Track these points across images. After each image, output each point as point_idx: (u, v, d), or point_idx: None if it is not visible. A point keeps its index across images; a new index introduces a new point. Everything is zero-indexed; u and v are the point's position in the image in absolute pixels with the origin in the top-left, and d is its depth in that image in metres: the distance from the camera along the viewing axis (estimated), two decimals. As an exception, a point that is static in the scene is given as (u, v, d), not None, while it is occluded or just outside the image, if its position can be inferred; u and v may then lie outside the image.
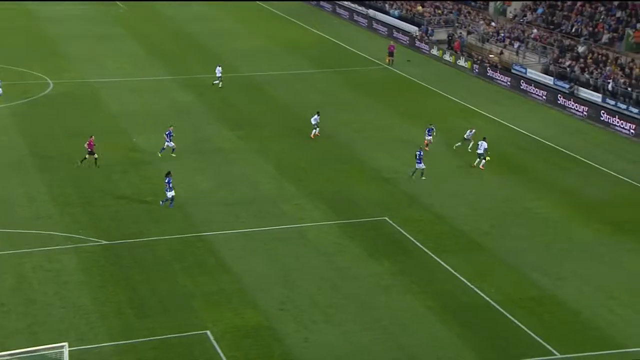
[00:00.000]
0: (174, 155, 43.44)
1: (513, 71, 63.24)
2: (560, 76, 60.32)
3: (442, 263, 33.57)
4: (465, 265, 33.27)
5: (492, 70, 63.64)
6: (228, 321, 28.82)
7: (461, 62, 66.92)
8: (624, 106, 53.91)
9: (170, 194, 37.24)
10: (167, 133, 43.92)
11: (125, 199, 39.39)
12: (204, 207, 38.73)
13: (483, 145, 43.60)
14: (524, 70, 62.84)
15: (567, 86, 58.59)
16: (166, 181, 37.06)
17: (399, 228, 36.78)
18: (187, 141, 47.87)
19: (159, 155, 43.38)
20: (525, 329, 28.83)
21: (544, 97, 58.16)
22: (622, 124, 51.92)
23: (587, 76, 58.74)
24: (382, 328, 28.84)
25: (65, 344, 22.82)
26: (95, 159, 42.20)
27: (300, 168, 43.42)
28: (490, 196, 40.89)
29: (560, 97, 57.13)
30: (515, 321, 29.33)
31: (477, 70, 64.52)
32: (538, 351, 27.44)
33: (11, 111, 51.37)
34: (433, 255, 34.17)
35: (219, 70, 58.00)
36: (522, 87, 60.55)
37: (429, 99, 58.32)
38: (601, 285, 31.64)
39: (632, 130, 50.98)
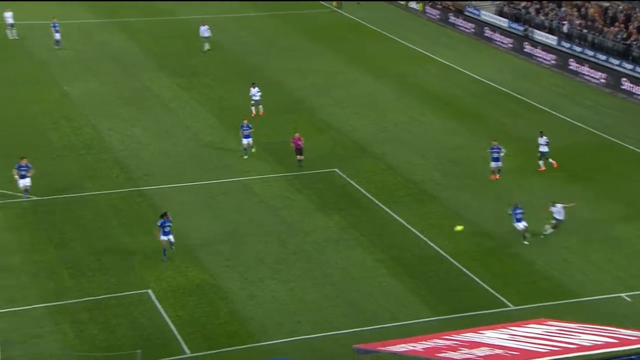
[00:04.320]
0: (244, 157, 37.94)
1: (466, 13, 63.19)
2: (515, 18, 60.47)
3: (394, 215, 33.66)
4: (417, 217, 33.43)
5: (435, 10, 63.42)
6: (171, 279, 28.52)
7: (413, 4, 66.61)
8: (579, 49, 54.37)
9: (166, 238, 29.53)
10: (243, 127, 38.14)
11: (57, 151, 38.44)
12: (143, 160, 38.05)
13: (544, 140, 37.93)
14: (477, 12, 62.84)
15: (521, 28, 58.80)
16: (159, 224, 29.39)
17: (349, 180, 36.71)
18: (124, 89, 46.91)
19: (245, 157, 38.14)
20: (479, 280, 29.19)
21: (502, 42, 58.18)
22: (578, 67, 52.36)
23: (542, 18, 59.00)
24: (332, 284, 28.88)
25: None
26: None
27: (245, 118, 42.85)
28: (442, 145, 41.03)
29: (516, 42, 57.31)
30: (469, 273, 29.65)
31: (437, 15, 64.13)
32: (491, 303, 27.83)
33: None
34: (384, 207, 34.24)
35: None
36: (473, 31, 60.57)
37: (379, 43, 58.00)
38: (554, 233, 32.14)
39: (592, 76, 51.35)
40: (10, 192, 33.96)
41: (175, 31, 58.38)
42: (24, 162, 32.91)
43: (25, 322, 25.77)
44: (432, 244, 31.53)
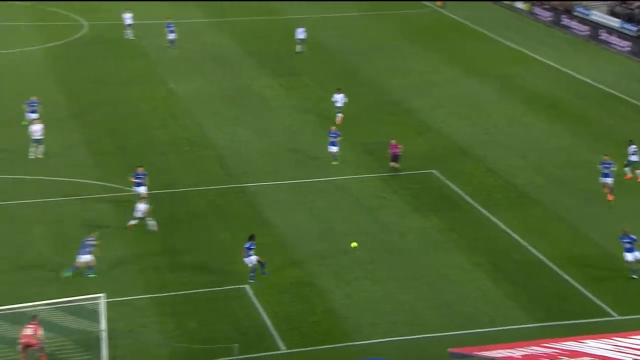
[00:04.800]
0: (335, 163, 37.34)
1: (575, 13, 61.53)
2: (628, 18, 58.45)
3: (493, 218, 33.19)
4: (516, 221, 32.85)
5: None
6: (267, 276, 28.95)
7: (519, 4, 65.36)
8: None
9: (250, 260, 28.74)
10: (331, 133, 37.65)
11: (163, 147, 39.58)
12: (244, 158, 38.77)
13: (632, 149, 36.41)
14: (587, 12, 61.08)
15: (634, 29, 56.78)
16: (247, 246, 28.64)
17: (447, 182, 36.40)
18: (227, 88, 47.90)
19: (334, 163, 37.55)
20: (581, 288, 28.42)
21: (617, 44, 56.27)
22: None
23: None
24: (428, 285, 28.71)
25: (103, 294, 23.21)
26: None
27: (343, 118, 43.01)
28: (544, 147, 40.15)
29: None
30: (570, 280, 28.94)
31: (548, 16, 62.63)
32: (594, 312, 27.07)
33: (46, 54, 51.71)
34: (483, 210, 33.79)
35: None
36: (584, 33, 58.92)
37: (482, 44, 57.21)
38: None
39: None
40: (119, 186, 35.22)
41: (278, 31, 59.12)
42: (140, 170, 33.00)
43: (131, 312, 26.67)
44: (532, 249, 30.92)
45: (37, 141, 37.10)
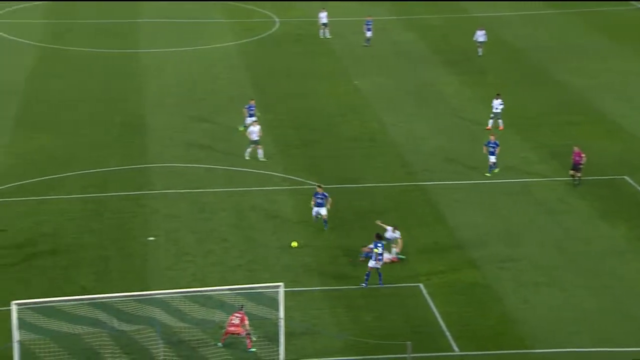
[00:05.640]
0: (488, 174, 36.02)
1: None
2: None
3: (688, 230, 31.10)
4: None
5: None
6: (442, 276, 28.73)
7: None
8: None
9: (373, 263, 28.01)
10: (489, 143, 35.91)
11: (344, 142, 40.17)
12: (423, 155, 38.65)
13: None
14: None
15: None
16: (372, 245, 27.98)
17: None
18: (409, 85, 47.91)
19: (488, 175, 35.95)
20: None
21: None
22: None
23: None
24: (613, 296, 27.38)
25: (281, 284, 23.97)
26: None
27: (528, 118, 41.84)
28: None
29: None
30: None
31: None
32: None
33: (239, 49, 53.96)
34: (677, 221, 31.75)
35: None
36: None
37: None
38: None
39: None
40: (301, 179, 36.18)
41: (464, 28, 58.24)
42: (319, 190, 31.92)
43: (306, 303, 27.31)
44: None
45: (255, 142, 37.43)
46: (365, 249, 28.89)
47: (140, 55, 52.20)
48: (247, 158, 37.50)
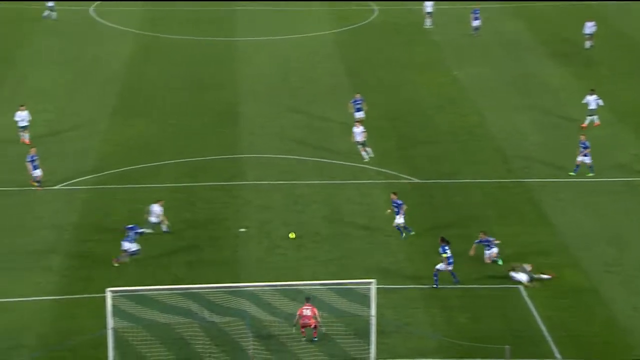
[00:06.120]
0: (572, 173, 34.85)
1: None
2: None
3: None
4: None
5: None
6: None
7: None
8: None
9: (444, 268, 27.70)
10: (582, 144, 34.69)
11: (441, 135, 39.52)
12: (524, 150, 37.63)
13: None
14: None
15: None
16: (442, 249, 27.60)
17: None
18: (512, 76, 46.75)
19: (572, 174, 34.97)
20: None
21: None
22: None
23: None
24: None
25: (374, 280, 23.70)
26: None
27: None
28: None
29: None
30: None
31: None
32: None
33: (335, 38, 53.77)
34: None
35: None
36: None
37: None
38: None
39: None
40: (395, 173, 35.78)
41: (576, 17, 56.16)
42: (394, 197, 30.61)
43: (399, 301, 26.97)
44: None
45: (360, 144, 36.13)
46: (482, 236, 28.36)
47: (237, 43, 52.67)
48: (364, 159, 36.21)
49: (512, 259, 28.85)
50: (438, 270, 27.52)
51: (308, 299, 24.98)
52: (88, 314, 25.77)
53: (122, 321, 23.78)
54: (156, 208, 30.62)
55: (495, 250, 28.72)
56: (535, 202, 33.04)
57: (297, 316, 24.72)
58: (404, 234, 30.43)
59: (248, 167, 36.51)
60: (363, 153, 36.41)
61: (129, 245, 28.75)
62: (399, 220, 30.40)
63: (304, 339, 24.67)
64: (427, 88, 45.44)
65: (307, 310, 24.61)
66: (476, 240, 28.55)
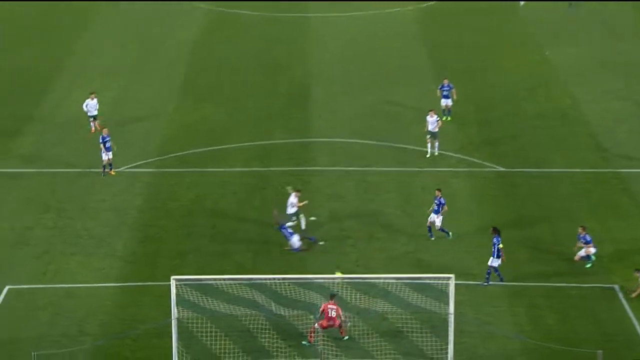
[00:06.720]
0: None
1: None
2: None
3: None
4: None
5: None
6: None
7: None
8: None
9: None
10: None
11: (529, 120, 37.94)
12: (620, 138, 36.03)
13: None
14: None
15: None
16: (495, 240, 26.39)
17: None
18: (611, 56, 44.66)
19: None
20: None
21: None
22: None
23: None
24: None
25: (452, 276, 22.66)
26: None
27: None
28: None
29: None
30: None
31: None
32: None
33: (415, 15, 52.27)
34: None
35: None
36: None
37: None
38: None
39: None
40: (477, 160, 34.45)
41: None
42: (438, 194, 29.05)
43: (480, 298, 25.88)
44: None
45: (431, 134, 34.48)
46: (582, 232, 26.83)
47: (309, 20, 51.70)
48: (427, 156, 34.62)
49: (608, 258, 27.27)
50: (491, 267, 26.23)
51: (333, 295, 23.98)
52: (152, 302, 25.49)
53: (186, 311, 23.41)
54: (292, 199, 29.78)
55: (593, 250, 27.10)
56: (632, 194, 31.46)
57: (320, 312, 23.69)
58: (450, 234, 28.90)
59: (319, 152, 35.72)
60: (429, 145, 34.58)
61: (294, 240, 28.21)
62: (437, 219, 28.79)
63: (308, 343, 23.62)
64: (515, 69, 43.87)
65: (332, 311, 23.52)
66: (579, 236, 26.85)
